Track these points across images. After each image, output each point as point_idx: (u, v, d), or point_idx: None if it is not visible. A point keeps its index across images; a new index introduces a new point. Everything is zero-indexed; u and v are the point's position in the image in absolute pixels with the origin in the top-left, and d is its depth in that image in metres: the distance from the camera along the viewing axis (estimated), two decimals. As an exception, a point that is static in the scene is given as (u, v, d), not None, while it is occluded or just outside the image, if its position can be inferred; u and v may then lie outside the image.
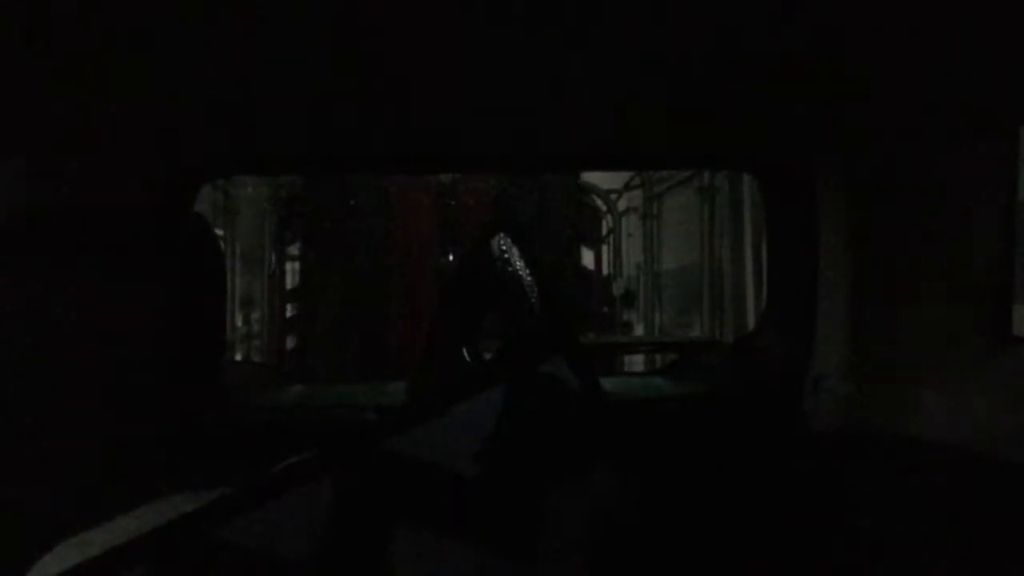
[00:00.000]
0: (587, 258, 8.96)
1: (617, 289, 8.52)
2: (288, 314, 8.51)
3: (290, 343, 8.48)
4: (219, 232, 7.94)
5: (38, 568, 0.90)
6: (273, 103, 1.38)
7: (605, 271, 8.70)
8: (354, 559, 0.88)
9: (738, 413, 1.71)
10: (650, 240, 8.44)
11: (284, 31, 1.19)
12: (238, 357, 7.42)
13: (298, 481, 0.91)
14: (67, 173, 1.36)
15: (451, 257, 7.07)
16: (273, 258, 8.43)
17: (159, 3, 1.07)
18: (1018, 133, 1.41)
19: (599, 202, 8.66)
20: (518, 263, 1.17)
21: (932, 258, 1.49)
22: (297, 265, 8.72)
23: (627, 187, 8.53)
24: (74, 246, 0.97)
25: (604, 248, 8.83)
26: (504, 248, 1.17)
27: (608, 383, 1.00)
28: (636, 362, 7.31)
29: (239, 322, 8.30)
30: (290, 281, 8.74)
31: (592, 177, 8.62)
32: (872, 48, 1.24)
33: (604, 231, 8.77)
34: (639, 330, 8.52)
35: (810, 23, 1.18)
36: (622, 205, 8.69)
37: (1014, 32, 1.15)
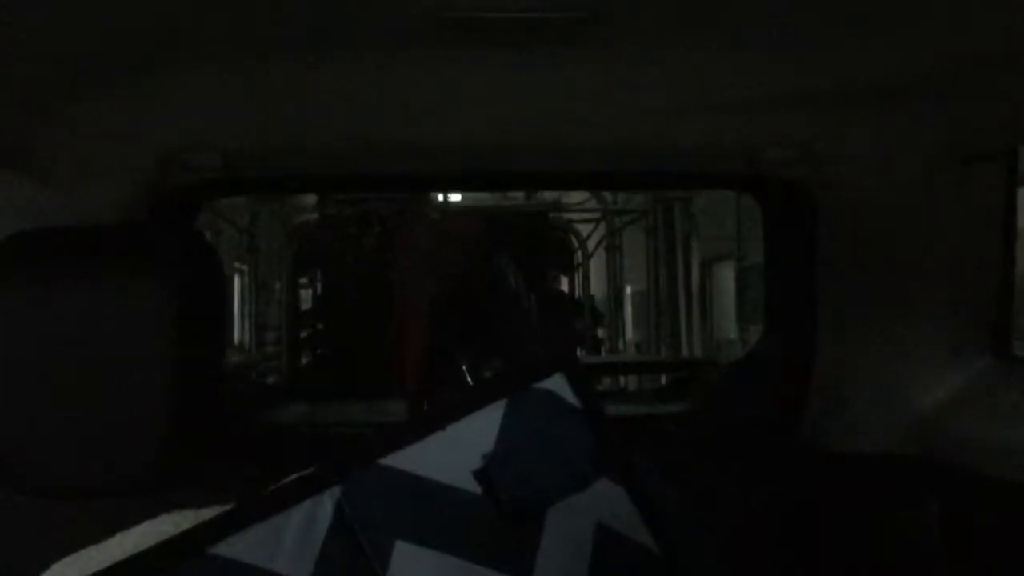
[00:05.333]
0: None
1: (588, 310, 9.00)
2: (300, 335, 8.69)
3: (299, 362, 8.63)
4: (243, 267, 8.35)
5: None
6: (266, 124, 1.35)
7: (577, 295, 9.23)
8: None
9: (736, 434, 1.66)
10: (613, 268, 9.19)
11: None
12: (252, 376, 7.49)
13: (297, 498, 0.84)
14: (68, 190, 1.32)
15: (447, 281, 7.27)
16: (286, 287, 8.64)
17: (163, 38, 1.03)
18: (1016, 153, 1.36)
19: (572, 236, 9.20)
20: (516, 283, 1.12)
21: (933, 278, 1.44)
22: (308, 292, 8.96)
23: (602, 218, 9.12)
24: (73, 263, 0.93)
25: (576, 275, 9.38)
26: (503, 269, 1.12)
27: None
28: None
29: (253, 343, 8.52)
30: (302, 306, 8.97)
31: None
32: (872, 68, 1.20)
33: (577, 261, 9.31)
34: (606, 344, 9.18)
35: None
36: (598, 234, 9.21)
37: (1011, 50, 1.11)
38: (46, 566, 0.85)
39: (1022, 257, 1.46)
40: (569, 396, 0.92)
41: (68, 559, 0.85)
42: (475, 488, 0.85)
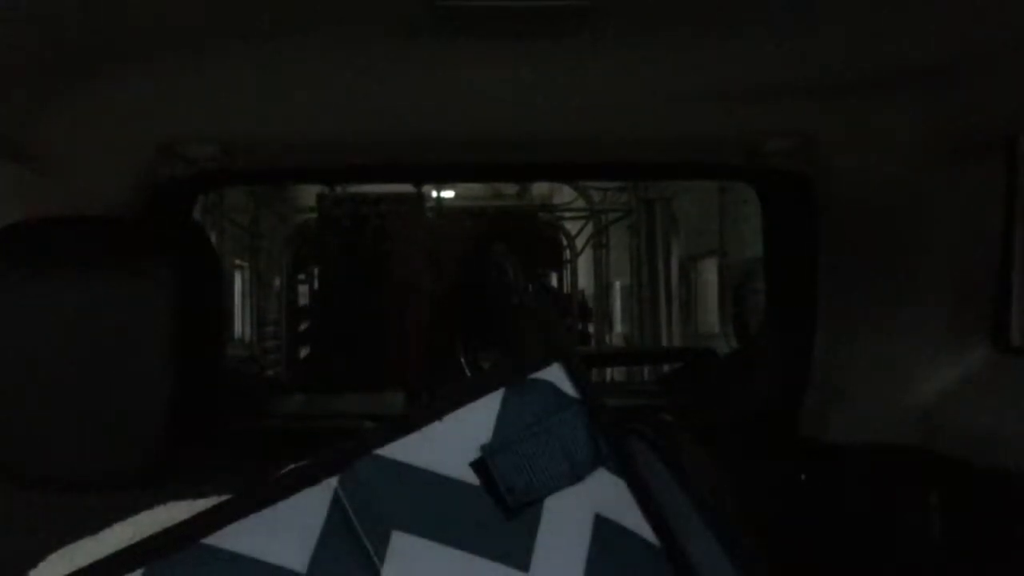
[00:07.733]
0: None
1: (577, 304, 9.22)
2: (299, 329, 8.77)
3: (298, 356, 8.70)
4: (244, 264, 8.47)
5: (30, 579, 0.82)
6: (265, 115, 1.33)
7: (566, 290, 9.38)
8: (349, 567, 0.81)
9: (735, 424, 1.64)
10: (600, 265, 9.38)
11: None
12: (253, 369, 7.52)
13: (294, 489, 0.82)
14: (66, 180, 1.29)
15: (441, 275, 7.36)
16: (285, 283, 8.74)
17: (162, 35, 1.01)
18: (1015, 145, 1.34)
19: (561, 234, 9.40)
20: (516, 276, 1.10)
21: (933, 269, 1.42)
22: (306, 288, 9.04)
23: (590, 216, 9.32)
24: (71, 254, 0.90)
25: (565, 271, 9.56)
26: (501, 259, 1.10)
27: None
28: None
29: (254, 337, 8.61)
30: (300, 301, 9.04)
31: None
32: (873, 59, 1.17)
33: (565, 258, 9.49)
34: (594, 337, 9.36)
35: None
36: (587, 231, 9.38)
37: (1011, 41, 1.08)
38: (42, 557, 0.82)
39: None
40: (567, 387, 0.90)
41: (64, 550, 0.83)
42: (473, 479, 0.83)
